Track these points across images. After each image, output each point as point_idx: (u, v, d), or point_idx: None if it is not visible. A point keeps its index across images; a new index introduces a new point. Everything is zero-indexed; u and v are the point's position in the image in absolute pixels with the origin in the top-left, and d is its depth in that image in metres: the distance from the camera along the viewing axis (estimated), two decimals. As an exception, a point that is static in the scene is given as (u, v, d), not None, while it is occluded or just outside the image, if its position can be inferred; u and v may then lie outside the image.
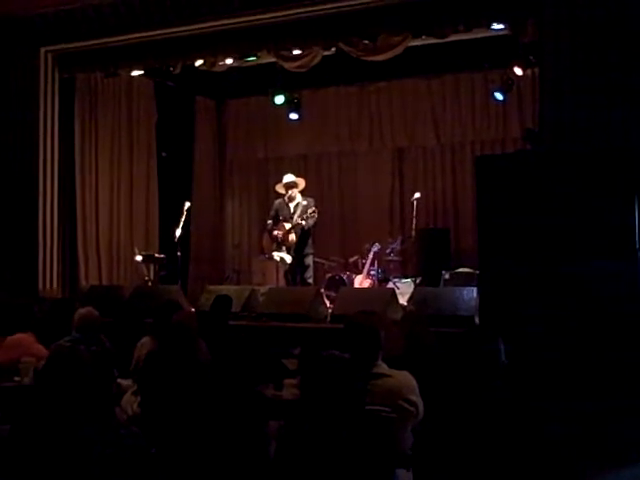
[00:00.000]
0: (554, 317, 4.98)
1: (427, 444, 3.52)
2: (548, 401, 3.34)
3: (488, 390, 3.01)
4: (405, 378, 3.78)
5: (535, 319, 5.04)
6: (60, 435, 3.06)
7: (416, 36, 8.14)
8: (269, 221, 9.96)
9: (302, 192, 9.97)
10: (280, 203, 9.93)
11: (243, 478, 3.44)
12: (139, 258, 10.04)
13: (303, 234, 9.64)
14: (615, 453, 3.31)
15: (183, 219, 9.76)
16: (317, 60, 8.77)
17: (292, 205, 9.79)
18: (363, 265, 10.26)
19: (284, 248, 9.65)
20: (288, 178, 10.02)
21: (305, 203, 9.73)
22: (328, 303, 8.51)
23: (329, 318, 7.53)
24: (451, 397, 3.31)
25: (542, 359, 4.81)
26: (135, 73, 9.79)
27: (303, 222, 9.50)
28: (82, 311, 5.58)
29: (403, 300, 7.90)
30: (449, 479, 2.87)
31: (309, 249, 9.78)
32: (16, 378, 5.19)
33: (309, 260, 9.79)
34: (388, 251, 10.37)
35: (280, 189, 10.08)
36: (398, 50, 8.23)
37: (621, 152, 5.53)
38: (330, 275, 10.31)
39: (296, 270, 9.65)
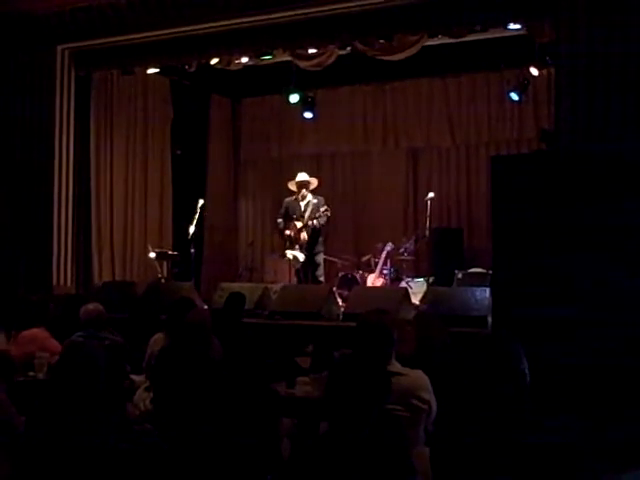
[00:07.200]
0: (570, 320, 4.92)
1: (441, 445, 3.49)
2: (567, 415, 3.15)
3: (514, 422, 2.70)
4: (418, 377, 3.77)
5: (550, 321, 4.99)
6: (73, 430, 3.07)
7: (432, 36, 8.13)
8: (279, 220, 9.95)
9: (313, 191, 9.97)
10: (290, 201, 9.92)
11: (255, 475, 3.45)
12: (152, 255, 10.07)
13: (314, 232, 9.63)
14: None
15: (197, 217, 9.79)
16: (332, 59, 8.77)
17: (303, 204, 9.78)
18: (376, 264, 10.25)
19: (297, 246, 9.65)
20: (301, 177, 10.01)
21: (315, 202, 9.71)
22: (340, 302, 8.51)
23: (341, 317, 7.53)
24: (465, 403, 3.21)
25: (559, 365, 4.69)
26: (151, 71, 9.82)
27: (315, 221, 9.50)
28: (88, 306, 5.60)
29: (416, 300, 7.90)
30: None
31: (320, 247, 9.78)
32: (31, 373, 5.23)
33: (320, 258, 9.79)
34: (401, 250, 10.35)
35: (292, 186, 10.08)
36: (414, 50, 8.23)
37: (636, 152, 5.47)
38: (342, 274, 10.31)
39: (307, 268, 9.66)
